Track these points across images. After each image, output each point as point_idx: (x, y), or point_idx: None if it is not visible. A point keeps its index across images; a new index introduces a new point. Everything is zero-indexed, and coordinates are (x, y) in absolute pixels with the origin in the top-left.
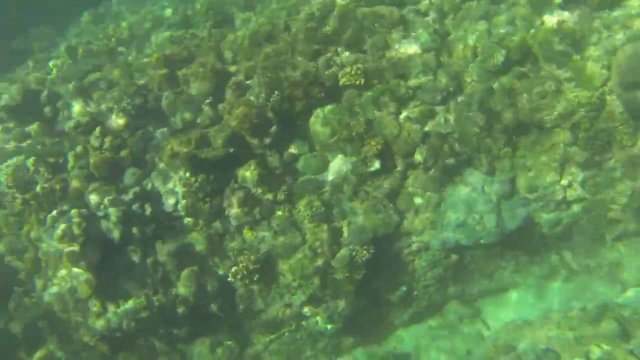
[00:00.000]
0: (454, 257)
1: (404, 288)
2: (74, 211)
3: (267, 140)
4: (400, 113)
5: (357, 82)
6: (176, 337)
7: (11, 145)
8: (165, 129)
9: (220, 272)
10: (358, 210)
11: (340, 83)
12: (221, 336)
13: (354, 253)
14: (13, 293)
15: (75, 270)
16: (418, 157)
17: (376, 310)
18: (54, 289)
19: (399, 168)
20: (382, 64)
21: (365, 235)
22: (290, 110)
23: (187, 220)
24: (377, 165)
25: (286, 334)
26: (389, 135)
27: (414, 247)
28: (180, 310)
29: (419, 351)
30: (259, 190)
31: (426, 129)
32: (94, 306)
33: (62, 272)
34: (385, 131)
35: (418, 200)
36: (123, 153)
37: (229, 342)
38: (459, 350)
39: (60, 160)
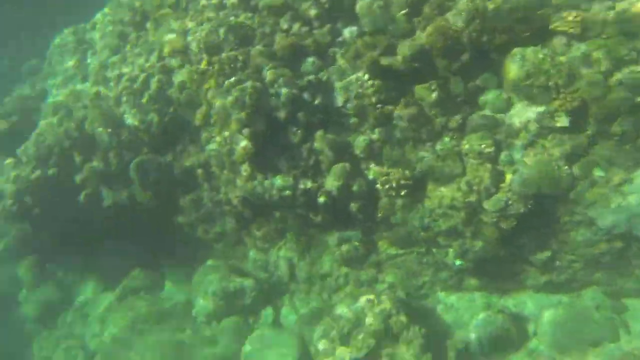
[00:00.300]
0: (618, 243)
1: (549, 254)
2: (250, 82)
3: (455, 66)
4: (612, 75)
5: (571, 30)
6: (310, 222)
7: (210, 11)
8: (354, 29)
9: (371, 176)
10: (529, 162)
11: (551, 27)
12: (351, 235)
13: (510, 202)
14: (182, 139)
15: (238, 135)
16: (616, 128)
17: (512, 264)
18: (215, 146)
19: (589, 132)
20: (608, 16)
21: (529, 188)
22: (488, 42)
23: (353, 120)
24: (565, 122)
25: (414, 254)
26: (590, 95)
27: (577, 218)
28: (321, 199)
29: (538, 320)
30: (433, 112)
31: (639, 100)
32: (245, 171)
33: (226, 133)
34: (587, 90)
35: (599, 172)
36: (308, 41)
37: (357, 243)
38: (584, 336)
39: (249, 34)
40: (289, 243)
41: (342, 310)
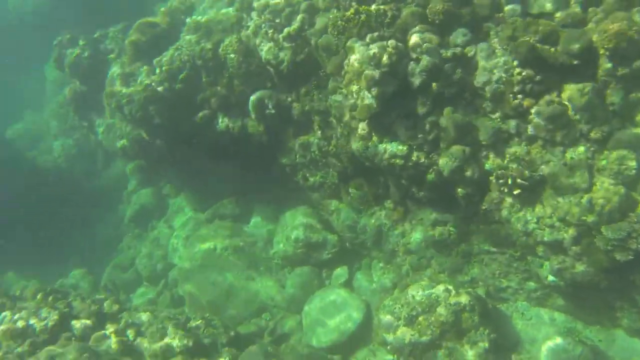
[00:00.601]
0: None
1: None
2: (391, 41)
3: (622, 72)
4: None
5: None
6: (411, 195)
7: None
8: (518, 7)
9: (487, 166)
10: None
11: None
12: (449, 219)
13: (634, 234)
14: (309, 82)
15: (366, 92)
16: None
17: (611, 298)
18: (339, 97)
19: None
20: None
21: None
22: None
23: (487, 104)
24: None
25: (507, 255)
26: None
27: None
28: (430, 176)
29: None
30: (577, 116)
31: None
32: (362, 129)
33: (354, 87)
34: None
35: None
36: (465, 10)
37: (452, 229)
38: None
39: None
40: (384, 210)
41: (416, 291)
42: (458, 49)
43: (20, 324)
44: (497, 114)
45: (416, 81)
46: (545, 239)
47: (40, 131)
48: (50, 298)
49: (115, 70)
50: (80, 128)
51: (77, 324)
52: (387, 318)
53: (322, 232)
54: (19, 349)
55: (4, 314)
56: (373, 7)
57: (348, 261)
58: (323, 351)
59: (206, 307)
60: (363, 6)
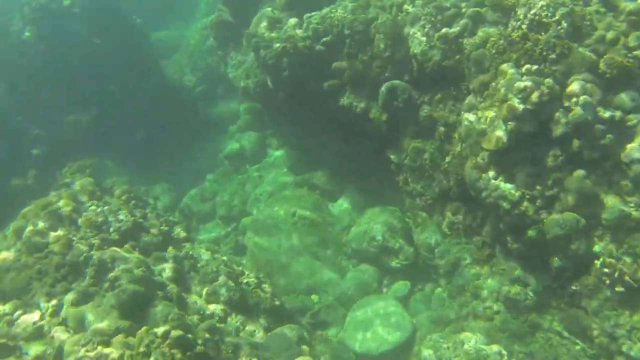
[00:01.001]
0: None
1: None
2: (548, 80)
3: None
4: None
5: None
6: (503, 241)
7: None
8: None
9: (596, 248)
10: None
11: None
12: (531, 283)
13: None
14: (447, 90)
15: (501, 122)
16: None
17: None
18: (471, 117)
19: None
20: None
21: None
22: None
23: (626, 183)
24: None
25: (579, 347)
26: None
27: None
28: (531, 232)
29: None
30: None
31: None
32: (482, 159)
33: (491, 113)
34: None
35: None
36: None
37: (531, 293)
38: None
39: (585, 29)
40: (470, 245)
41: (468, 339)
42: (618, 113)
43: (100, 217)
44: (634, 198)
45: (558, 131)
46: (632, 353)
47: (179, 45)
48: (132, 203)
49: (266, 11)
50: (214, 54)
51: (145, 237)
52: (429, 353)
53: (401, 240)
54: (92, 240)
55: (91, 202)
56: (543, 37)
57: (413, 278)
58: (355, 355)
59: (263, 266)
60: (533, 33)
